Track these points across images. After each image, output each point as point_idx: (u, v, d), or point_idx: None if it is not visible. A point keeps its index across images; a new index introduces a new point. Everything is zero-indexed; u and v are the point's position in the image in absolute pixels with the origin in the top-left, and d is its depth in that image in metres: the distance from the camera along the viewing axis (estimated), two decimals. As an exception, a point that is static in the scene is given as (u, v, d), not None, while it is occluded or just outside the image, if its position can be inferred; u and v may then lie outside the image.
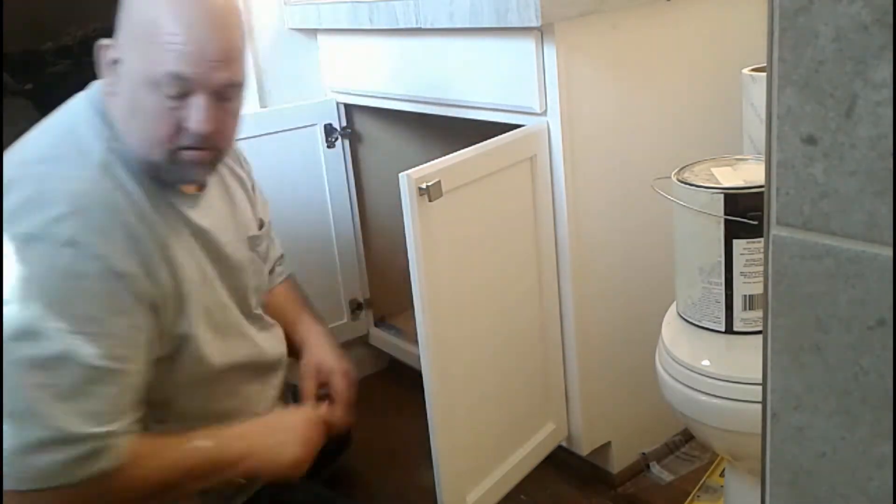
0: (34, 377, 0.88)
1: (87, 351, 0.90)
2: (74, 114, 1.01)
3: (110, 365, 0.91)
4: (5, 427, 0.87)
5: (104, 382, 0.91)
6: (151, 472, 0.96)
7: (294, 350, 1.28)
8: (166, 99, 0.94)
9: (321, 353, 1.27)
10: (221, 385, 1.10)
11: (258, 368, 1.16)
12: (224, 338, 1.09)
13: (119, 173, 0.97)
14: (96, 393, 0.90)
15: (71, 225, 0.91)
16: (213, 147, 1.00)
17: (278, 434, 1.08)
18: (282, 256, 1.37)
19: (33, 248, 0.90)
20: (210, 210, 1.09)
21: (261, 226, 1.24)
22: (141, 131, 0.96)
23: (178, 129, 0.96)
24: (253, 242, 1.20)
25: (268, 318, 1.22)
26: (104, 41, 0.98)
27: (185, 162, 0.99)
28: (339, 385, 1.23)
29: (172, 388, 1.04)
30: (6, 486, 0.87)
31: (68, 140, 0.98)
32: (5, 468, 0.87)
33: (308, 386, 1.23)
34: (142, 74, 0.94)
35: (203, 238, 1.07)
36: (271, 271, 1.32)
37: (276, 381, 1.21)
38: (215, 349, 1.06)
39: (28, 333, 0.88)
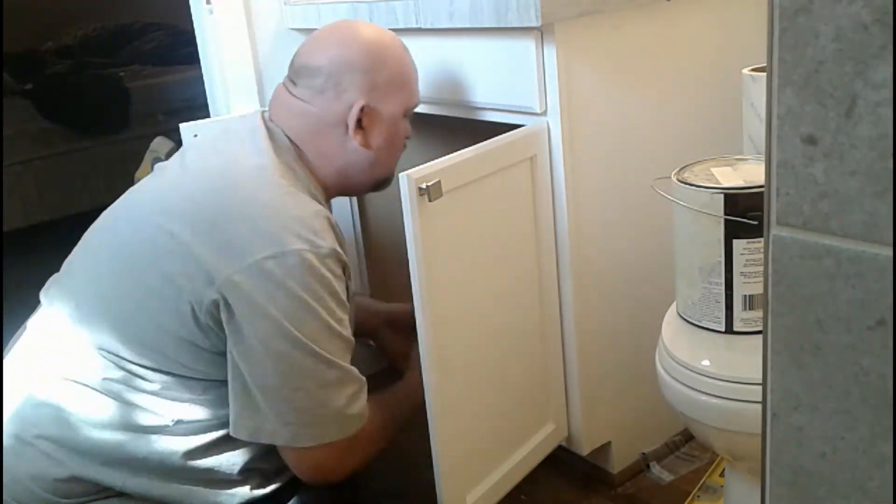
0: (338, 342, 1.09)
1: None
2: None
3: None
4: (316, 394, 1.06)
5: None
6: (379, 425, 1.19)
7: None
8: (407, 121, 1.28)
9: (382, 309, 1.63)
10: None
11: None
12: None
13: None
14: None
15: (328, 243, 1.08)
16: None
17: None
18: None
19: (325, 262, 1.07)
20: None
21: None
22: (395, 154, 1.28)
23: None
24: None
25: None
26: (358, 107, 1.19)
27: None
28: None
29: None
30: (323, 439, 1.07)
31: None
32: (323, 423, 1.07)
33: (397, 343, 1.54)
34: (401, 111, 1.24)
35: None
36: None
37: None
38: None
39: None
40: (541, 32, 1.20)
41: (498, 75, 1.30)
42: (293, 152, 1.19)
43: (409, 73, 1.25)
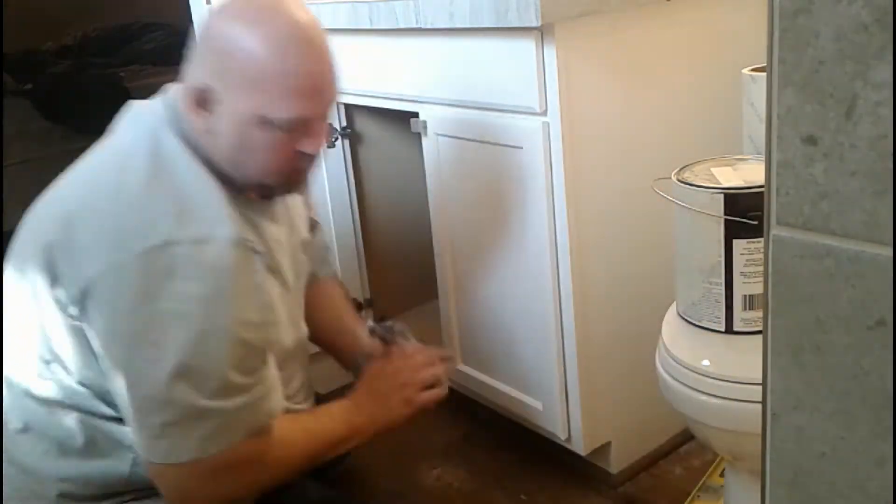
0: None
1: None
2: (159, 145, 1.00)
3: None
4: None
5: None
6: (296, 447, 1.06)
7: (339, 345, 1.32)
8: (282, 133, 0.97)
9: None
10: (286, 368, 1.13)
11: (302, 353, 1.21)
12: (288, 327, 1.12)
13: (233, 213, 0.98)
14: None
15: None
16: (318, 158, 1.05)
17: (386, 400, 1.17)
18: (327, 247, 1.43)
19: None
20: (276, 217, 1.11)
21: (312, 227, 1.28)
22: (254, 164, 1.00)
23: (295, 155, 1.01)
24: (304, 247, 1.22)
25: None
26: (188, 84, 0.98)
27: (298, 182, 1.06)
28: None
29: None
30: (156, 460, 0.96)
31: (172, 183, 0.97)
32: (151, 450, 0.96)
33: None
34: (253, 116, 0.96)
35: (277, 248, 1.09)
36: (323, 260, 1.37)
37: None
38: (287, 335, 1.11)
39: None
40: (541, 32, 1.20)
41: (498, 75, 1.30)
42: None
43: (278, 74, 0.96)
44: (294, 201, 1.20)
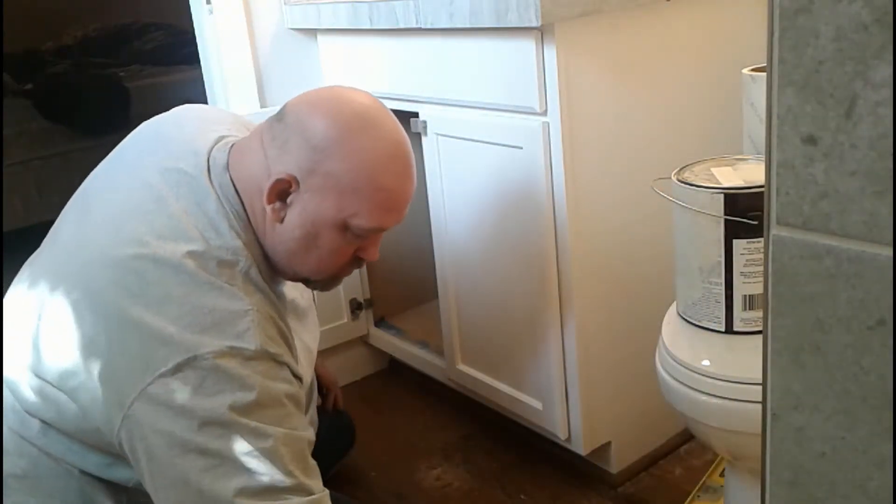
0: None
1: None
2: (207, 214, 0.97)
3: None
4: None
5: None
6: None
7: None
8: (352, 238, 1.01)
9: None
10: None
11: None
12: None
13: (257, 280, 0.98)
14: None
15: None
16: None
17: None
18: None
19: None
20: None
21: None
22: (313, 261, 1.02)
23: (352, 259, 1.05)
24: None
25: None
26: (282, 176, 0.96)
27: (338, 282, 1.09)
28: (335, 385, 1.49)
29: None
30: None
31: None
32: None
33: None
34: (333, 220, 0.98)
35: (294, 310, 1.10)
36: None
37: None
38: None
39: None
40: (541, 32, 1.20)
41: (498, 75, 1.30)
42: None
43: (371, 189, 0.98)
44: None
